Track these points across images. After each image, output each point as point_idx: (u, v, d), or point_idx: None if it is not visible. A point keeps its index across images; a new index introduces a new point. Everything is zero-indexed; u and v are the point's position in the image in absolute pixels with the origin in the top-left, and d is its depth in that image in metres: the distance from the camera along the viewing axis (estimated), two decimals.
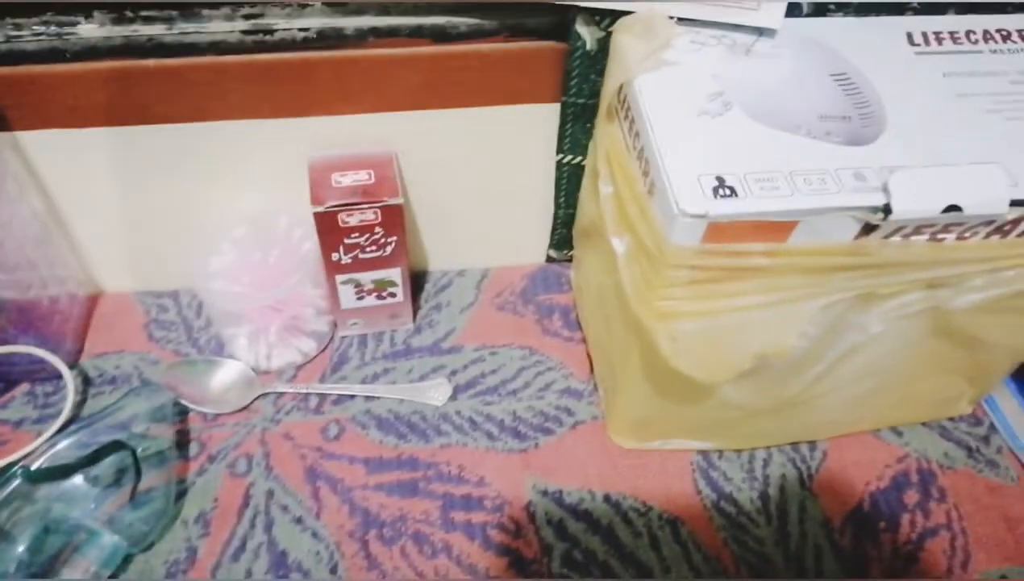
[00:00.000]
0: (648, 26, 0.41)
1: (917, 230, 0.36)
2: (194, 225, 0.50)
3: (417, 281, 0.59)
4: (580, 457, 0.50)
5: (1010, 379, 0.51)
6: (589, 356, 0.54)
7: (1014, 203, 0.35)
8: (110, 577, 0.43)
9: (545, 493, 0.48)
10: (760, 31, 0.43)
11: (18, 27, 0.43)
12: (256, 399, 0.51)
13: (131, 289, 0.57)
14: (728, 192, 0.34)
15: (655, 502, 0.48)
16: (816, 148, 0.37)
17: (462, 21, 0.46)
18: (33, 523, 0.40)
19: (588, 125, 0.49)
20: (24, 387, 0.51)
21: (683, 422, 0.47)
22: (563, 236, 0.58)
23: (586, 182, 0.50)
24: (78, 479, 0.42)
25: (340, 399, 0.52)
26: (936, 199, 0.34)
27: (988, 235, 0.37)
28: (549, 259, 0.61)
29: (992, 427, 0.53)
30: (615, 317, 0.45)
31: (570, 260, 0.60)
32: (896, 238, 0.36)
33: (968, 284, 0.39)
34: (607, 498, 0.48)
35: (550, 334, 0.56)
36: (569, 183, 0.53)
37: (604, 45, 0.44)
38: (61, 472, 0.41)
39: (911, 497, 0.49)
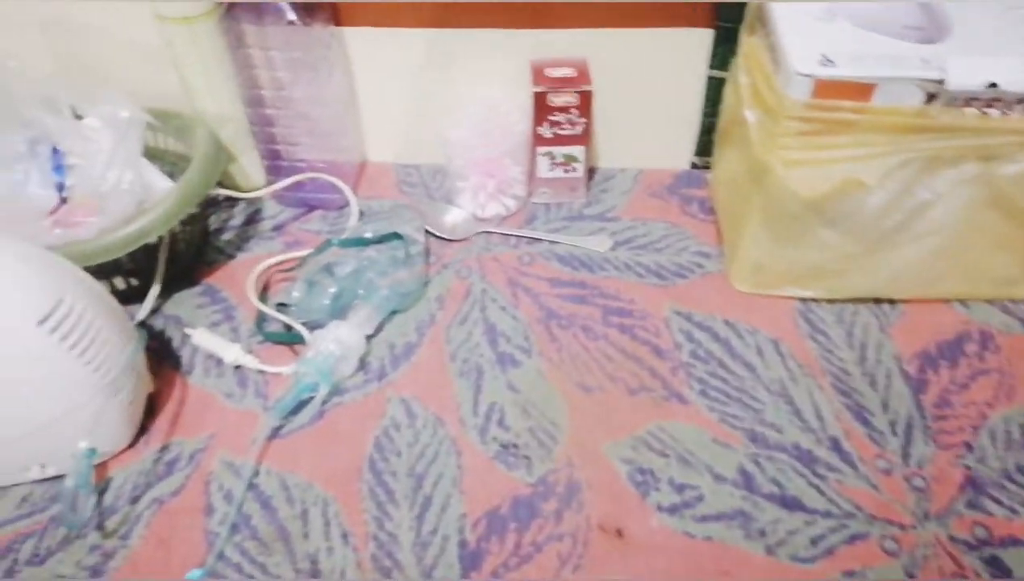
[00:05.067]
0: None
1: (967, 102, 0.51)
2: (442, 108, 0.72)
3: (589, 174, 0.78)
4: (707, 294, 0.67)
5: None
6: (718, 231, 0.71)
7: None
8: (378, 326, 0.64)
9: (678, 312, 0.65)
10: None
11: None
12: (474, 235, 0.72)
13: (387, 160, 0.80)
14: (829, 63, 0.51)
15: (762, 327, 0.64)
16: (898, 44, 0.53)
17: None
18: (342, 274, 0.62)
19: (732, 45, 0.66)
20: (319, 213, 0.75)
21: (789, 267, 0.63)
22: (705, 142, 0.75)
23: (728, 84, 0.67)
24: (372, 250, 0.63)
25: (532, 241, 0.72)
26: (980, 77, 0.50)
27: None
28: (692, 166, 0.78)
29: None
30: (742, 179, 0.62)
31: (708, 167, 0.77)
32: (952, 109, 0.52)
33: (1013, 157, 0.54)
34: (726, 321, 0.64)
35: (689, 215, 0.74)
36: (715, 93, 0.70)
37: None
38: (363, 242, 0.63)
39: (971, 348, 0.62)
